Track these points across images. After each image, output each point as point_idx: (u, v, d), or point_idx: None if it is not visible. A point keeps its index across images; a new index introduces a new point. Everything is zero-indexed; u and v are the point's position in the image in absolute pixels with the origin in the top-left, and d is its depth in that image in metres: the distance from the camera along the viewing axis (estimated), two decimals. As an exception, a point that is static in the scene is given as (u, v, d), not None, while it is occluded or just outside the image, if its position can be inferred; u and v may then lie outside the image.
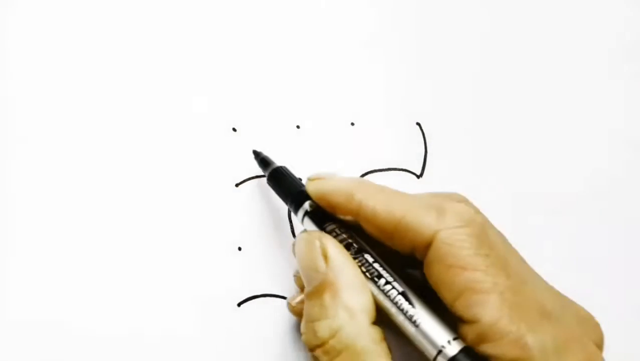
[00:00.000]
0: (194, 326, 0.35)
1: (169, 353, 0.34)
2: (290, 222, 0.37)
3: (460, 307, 0.27)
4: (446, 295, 0.28)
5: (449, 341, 0.27)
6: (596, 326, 0.29)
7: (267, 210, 0.37)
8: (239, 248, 0.36)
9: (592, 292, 0.33)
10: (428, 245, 0.28)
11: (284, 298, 0.36)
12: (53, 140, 0.36)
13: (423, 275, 0.29)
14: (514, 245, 0.31)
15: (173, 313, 0.35)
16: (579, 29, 0.43)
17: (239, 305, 0.36)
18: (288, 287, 0.36)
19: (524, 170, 0.41)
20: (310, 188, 0.32)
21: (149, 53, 0.37)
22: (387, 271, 0.29)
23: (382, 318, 0.29)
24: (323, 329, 0.28)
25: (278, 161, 0.35)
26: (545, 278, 0.30)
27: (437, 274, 0.28)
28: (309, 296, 0.30)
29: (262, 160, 0.36)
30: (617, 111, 0.43)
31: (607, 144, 0.42)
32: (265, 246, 0.36)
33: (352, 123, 0.39)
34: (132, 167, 0.36)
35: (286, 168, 0.35)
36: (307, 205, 0.32)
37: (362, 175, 0.38)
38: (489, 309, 0.26)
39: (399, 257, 0.30)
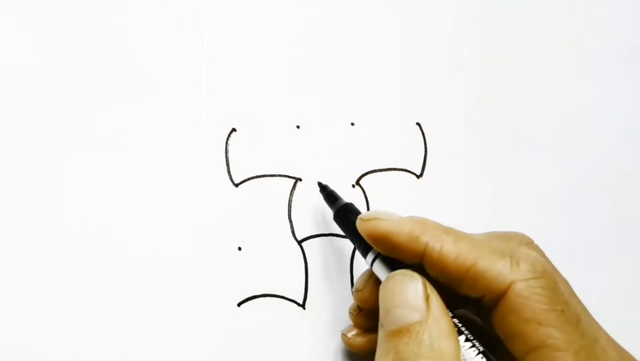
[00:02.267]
0: (194, 326, 0.35)
1: (169, 353, 0.34)
2: (291, 221, 0.37)
3: None
4: (519, 348, 0.27)
5: None
6: None
7: (267, 210, 0.37)
8: (239, 248, 0.36)
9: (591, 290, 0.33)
10: (501, 295, 0.27)
11: (284, 298, 0.36)
12: (53, 140, 0.36)
13: (486, 319, 0.29)
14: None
15: (173, 313, 0.35)
16: (582, 26, 0.43)
17: (239, 305, 0.36)
18: (288, 287, 0.36)
19: (524, 170, 0.41)
20: (364, 228, 0.30)
21: (148, 53, 0.37)
22: (466, 329, 0.28)
23: None
24: None
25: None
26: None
27: (512, 326, 0.27)
28: (398, 333, 0.27)
29: (329, 195, 0.35)
30: (617, 111, 0.43)
31: (607, 144, 0.42)
32: (265, 246, 0.36)
33: (352, 124, 0.39)
34: (132, 167, 0.36)
35: (353, 206, 0.34)
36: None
37: (362, 175, 0.38)
38: None
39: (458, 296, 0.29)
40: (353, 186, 0.38)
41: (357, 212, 0.33)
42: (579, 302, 0.29)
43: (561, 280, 0.29)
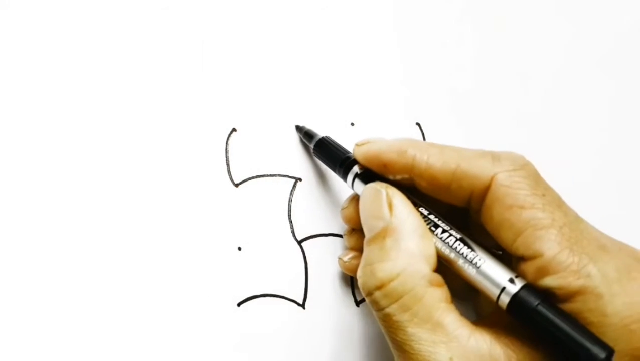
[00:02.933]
0: (194, 326, 0.35)
1: (169, 353, 0.34)
2: (290, 221, 0.37)
3: (521, 244, 0.28)
4: (506, 235, 0.28)
5: (510, 280, 0.28)
6: None
7: (267, 210, 0.37)
8: (239, 248, 0.36)
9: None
10: (485, 189, 0.29)
11: (284, 298, 0.36)
12: (53, 141, 0.36)
13: (476, 228, 0.30)
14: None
15: (173, 313, 0.35)
16: (582, 27, 0.43)
17: (239, 305, 0.36)
18: (288, 287, 0.36)
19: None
20: (359, 151, 0.32)
21: (148, 53, 0.37)
22: (443, 222, 0.30)
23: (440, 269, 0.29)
24: (383, 270, 0.29)
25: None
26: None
27: (497, 215, 0.28)
28: (369, 241, 0.30)
29: (306, 134, 0.37)
30: (616, 111, 0.43)
31: (607, 144, 0.42)
32: (265, 246, 0.36)
33: (352, 124, 0.39)
34: (132, 167, 0.36)
35: (330, 138, 0.36)
36: (356, 168, 0.33)
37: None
38: (550, 243, 0.27)
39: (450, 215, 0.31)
40: (353, 186, 0.38)
41: (335, 143, 0.35)
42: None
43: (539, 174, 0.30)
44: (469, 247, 0.29)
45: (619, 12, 0.44)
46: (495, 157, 0.30)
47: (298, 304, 0.36)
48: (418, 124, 0.40)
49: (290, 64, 0.39)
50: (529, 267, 0.27)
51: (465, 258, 0.29)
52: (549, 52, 0.42)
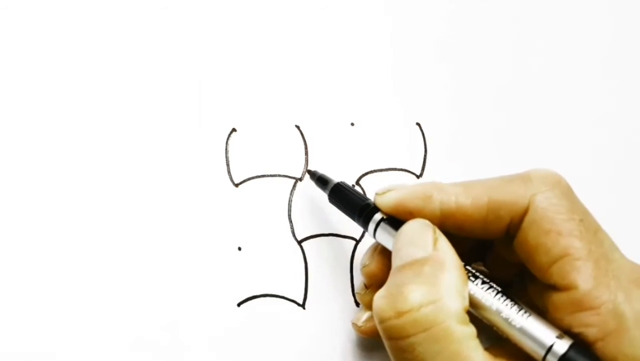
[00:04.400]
0: (194, 326, 0.35)
1: (169, 353, 0.34)
2: (291, 222, 0.37)
3: (556, 273, 0.27)
4: (541, 260, 0.27)
5: (557, 337, 0.26)
6: None
7: (267, 210, 0.37)
8: (239, 248, 0.36)
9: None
10: (524, 214, 0.28)
11: (284, 298, 0.36)
12: (52, 141, 0.36)
13: (499, 257, 0.29)
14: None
15: (173, 313, 0.35)
16: (582, 26, 0.43)
17: (239, 305, 0.36)
18: (288, 287, 0.36)
19: (524, 169, 0.41)
20: (382, 200, 0.31)
21: (148, 54, 0.37)
22: (482, 273, 0.29)
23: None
24: (418, 292, 0.26)
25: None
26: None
27: (534, 239, 0.27)
28: (402, 267, 0.27)
29: (320, 179, 0.35)
30: (616, 111, 0.43)
31: (606, 145, 0.42)
32: (265, 246, 0.36)
33: (352, 124, 0.39)
34: (132, 167, 0.36)
35: (345, 184, 0.34)
36: (378, 216, 0.31)
37: (362, 175, 0.38)
38: (586, 276, 0.26)
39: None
40: (353, 186, 0.38)
41: (350, 188, 0.34)
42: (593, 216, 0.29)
43: (572, 190, 0.29)
44: (512, 300, 0.27)
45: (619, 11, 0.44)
46: (525, 178, 0.29)
47: (298, 304, 0.36)
48: (418, 124, 0.40)
49: (290, 64, 0.39)
50: (562, 298, 0.26)
51: (509, 310, 0.27)
52: (549, 52, 0.42)
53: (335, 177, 0.35)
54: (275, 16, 0.39)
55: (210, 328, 0.35)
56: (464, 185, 0.30)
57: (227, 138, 0.37)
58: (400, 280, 0.27)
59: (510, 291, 0.28)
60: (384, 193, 0.31)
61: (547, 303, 0.27)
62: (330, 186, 0.34)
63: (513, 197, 0.28)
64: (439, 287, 0.26)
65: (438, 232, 0.28)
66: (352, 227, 0.36)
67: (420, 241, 0.28)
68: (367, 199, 0.32)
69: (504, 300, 0.27)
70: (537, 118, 0.41)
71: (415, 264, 0.27)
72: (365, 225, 0.31)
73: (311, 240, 0.37)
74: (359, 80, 0.40)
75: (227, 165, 0.37)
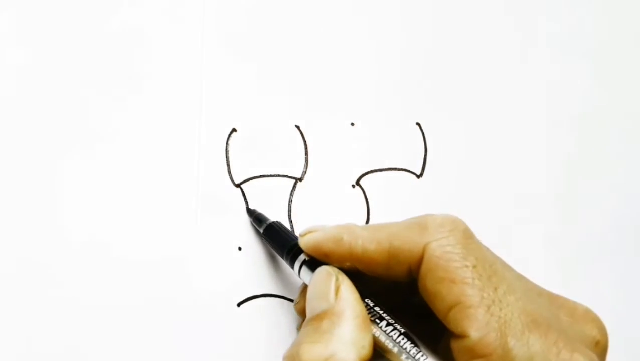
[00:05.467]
0: (194, 326, 0.35)
1: (170, 353, 0.34)
2: (291, 221, 0.37)
3: (451, 320, 0.27)
4: (440, 308, 0.28)
5: None
6: (595, 321, 0.29)
7: (267, 210, 0.37)
8: (239, 248, 0.36)
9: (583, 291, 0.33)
10: (420, 261, 0.28)
11: (284, 298, 0.36)
12: (52, 141, 0.36)
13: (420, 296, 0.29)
14: (513, 243, 0.31)
15: (173, 313, 0.35)
16: (581, 25, 0.43)
17: (239, 305, 0.36)
18: (288, 287, 0.36)
19: (525, 170, 0.41)
20: (303, 243, 0.32)
21: (148, 52, 0.37)
22: (389, 315, 0.29)
23: None
24: (310, 352, 0.27)
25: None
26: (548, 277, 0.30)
27: (431, 286, 0.28)
28: (307, 322, 0.29)
29: (257, 218, 0.36)
30: (618, 113, 0.43)
31: (608, 144, 0.42)
32: (265, 246, 0.36)
33: (352, 124, 0.39)
34: (132, 167, 0.36)
35: (280, 223, 0.35)
36: (302, 256, 0.32)
37: (362, 175, 0.39)
38: (476, 324, 0.26)
39: (400, 293, 0.31)
40: (353, 186, 0.38)
41: (283, 229, 0.35)
42: (495, 256, 0.29)
43: (475, 237, 0.29)
44: (412, 342, 0.28)
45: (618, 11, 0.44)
46: (422, 225, 0.29)
47: (298, 304, 0.36)
48: (418, 124, 0.40)
49: (290, 64, 0.39)
50: (460, 346, 0.27)
51: (408, 353, 0.28)
52: (549, 51, 0.42)
53: (272, 217, 0.36)
54: (276, 16, 0.39)
55: (210, 328, 0.35)
56: (372, 228, 0.31)
57: (227, 138, 0.37)
58: (300, 339, 0.28)
59: (421, 330, 0.29)
60: (305, 234, 0.32)
61: (452, 347, 0.28)
62: (264, 225, 0.35)
63: (409, 245, 0.29)
64: (333, 343, 0.27)
65: (341, 278, 0.29)
66: (352, 227, 0.36)
67: (323, 291, 0.29)
68: (296, 238, 0.33)
69: (404, 342, 0.28)
70: (537, 118, 0.41)
71: (316, 319, 0.29)
72: (292, 265, 0.33)
73: (311, 240, 0.37)
74: (359, 80, 0.40)
75: (227, 165, 0.37)
